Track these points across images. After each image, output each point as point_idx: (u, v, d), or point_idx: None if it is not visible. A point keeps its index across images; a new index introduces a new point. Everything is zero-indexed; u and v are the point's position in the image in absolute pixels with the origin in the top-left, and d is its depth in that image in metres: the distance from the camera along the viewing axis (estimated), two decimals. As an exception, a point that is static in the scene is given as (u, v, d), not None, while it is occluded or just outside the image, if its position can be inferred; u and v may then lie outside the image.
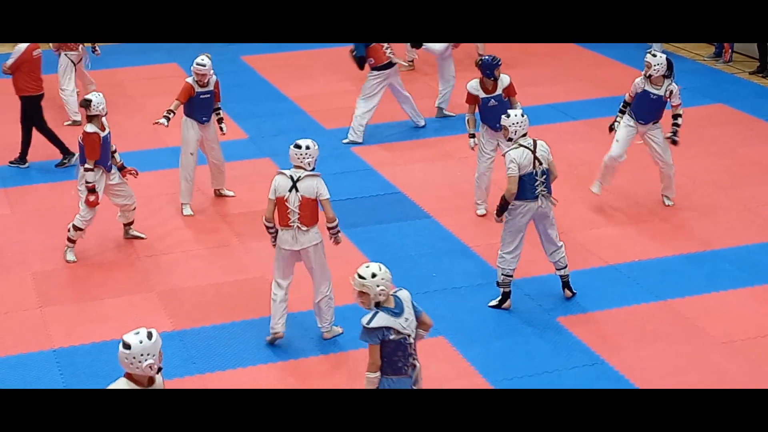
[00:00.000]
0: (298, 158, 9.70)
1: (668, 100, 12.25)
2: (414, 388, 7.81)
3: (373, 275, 7.61)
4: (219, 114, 12.88)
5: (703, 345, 9.97)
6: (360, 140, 14.96)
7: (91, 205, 11.48)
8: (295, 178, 9.68)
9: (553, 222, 10.44)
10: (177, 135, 13.21)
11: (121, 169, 11.80)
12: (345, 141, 14.99)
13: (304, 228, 9.69)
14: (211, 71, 12.56)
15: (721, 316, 10.44)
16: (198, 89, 12.50)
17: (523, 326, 10.33)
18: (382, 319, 7.59)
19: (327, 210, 9.74)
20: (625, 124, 12.44)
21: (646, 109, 12.26)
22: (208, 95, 12.61)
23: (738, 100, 16.47)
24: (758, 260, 11.49)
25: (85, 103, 11.43)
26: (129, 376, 6.83)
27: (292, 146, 9.77)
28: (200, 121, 12.65)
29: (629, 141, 12.52)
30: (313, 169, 9.77)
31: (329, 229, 9.85)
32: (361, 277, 7.64)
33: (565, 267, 10.64)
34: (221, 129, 12.90)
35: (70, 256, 11.74)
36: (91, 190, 11.43)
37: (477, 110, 12.53)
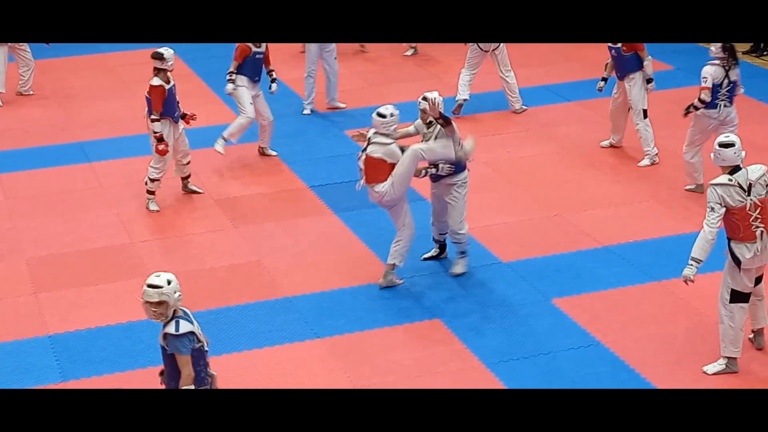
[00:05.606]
0: (383, 126, 10.31)
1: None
2: None
3: (169, 282, 7.28)
4: (273, 75, 13.76)
5: (698, 325, 10.00)
6: (466, 97, 15.18)
7: (162, 153, 12.10)
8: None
9: None
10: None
11: (183, 117, 12.52)
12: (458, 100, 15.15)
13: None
14: None
15: (715, 297, 10.41)
16: (254, 48, 13.33)
17: (518, 308, 10.35)
18: (186, 325, 7.30)
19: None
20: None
21: None
22: (262, 55, 13.49)
23: (731, 79, 16.38)
24: (752, 240, 11.48)
25: (157, 55, 12.12)
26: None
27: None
28: (252, 80, 13.44)
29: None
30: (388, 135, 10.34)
31: None
32: (156, 286, 7.24)
33: None
34: (272, 88, 13.79)
35: (153, 206, 12.50)
36: (159, 139, 12.11)
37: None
